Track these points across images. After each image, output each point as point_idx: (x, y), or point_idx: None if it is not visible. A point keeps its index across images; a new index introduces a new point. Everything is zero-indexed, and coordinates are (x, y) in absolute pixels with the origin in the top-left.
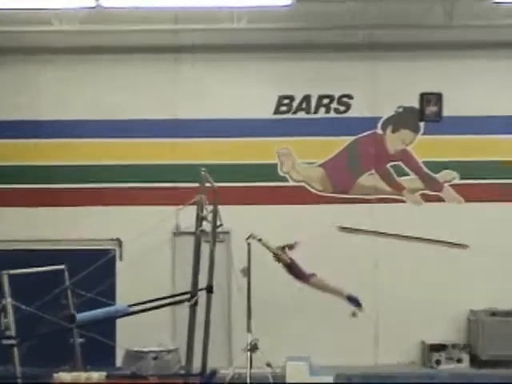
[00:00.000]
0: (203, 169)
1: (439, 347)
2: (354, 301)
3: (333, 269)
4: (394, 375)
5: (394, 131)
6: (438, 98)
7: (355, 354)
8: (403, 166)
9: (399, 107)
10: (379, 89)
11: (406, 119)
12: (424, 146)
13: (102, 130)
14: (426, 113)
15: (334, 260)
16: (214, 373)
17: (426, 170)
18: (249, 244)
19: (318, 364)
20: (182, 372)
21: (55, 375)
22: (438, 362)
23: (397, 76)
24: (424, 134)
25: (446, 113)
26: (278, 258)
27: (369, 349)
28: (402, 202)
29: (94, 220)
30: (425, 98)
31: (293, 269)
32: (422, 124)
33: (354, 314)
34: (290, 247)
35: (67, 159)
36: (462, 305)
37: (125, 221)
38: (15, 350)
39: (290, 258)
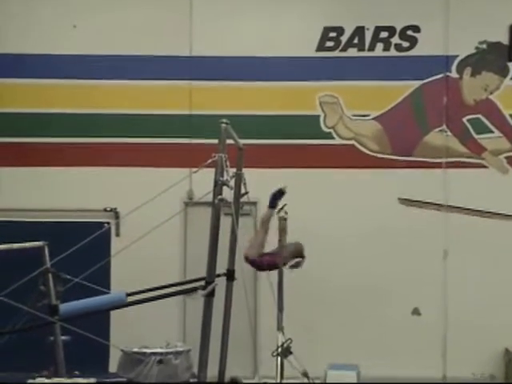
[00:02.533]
0: (224, 120)
1: None
2: (276, 195)
3: (389, 254)
4: None
5: (473, 75)
6: None
7: (417, 364)
8: (485, 120)
9: (481, 43)
10: (455, 19)
11: (489, 59)
12: None
13: (92, 68)
14: None
15: (390, 242)
16: (234, 382)
17: None
18: (282, 218)
19: (367, 375)
20: (194, 380)
21: (30, 382)
22: None
23: (478, 2)
24: None
25: None
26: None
27: (435, 357)
28: (483, 167)
29: (83, 185)
30: None
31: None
32: (511, 65)
33: (416, 312)
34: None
35: (47, 105)
36: None
37: (123, 186)
38: None
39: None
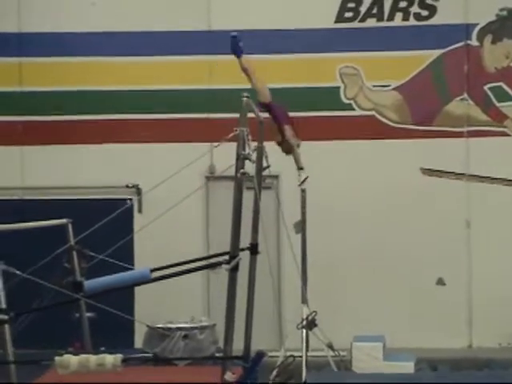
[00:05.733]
0: (245, 94)
1: None
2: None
3: (412, 224)
4: (493, 362)
5: (494, 42)
6: None
7: (443, 334)
8: (506, 87)
9: (502, 10)
10: None
11: (510, 26)
12: None
13: (112, 45)
14: None
15: (414, 213)
16: (261, 356)
17: None
18: (303, 191)
19: (393, 346)
20: (220, 355)
21: (57, 359)
22: None
23: None
24: None
25: None
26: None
27: (461, 327)
28: (505, 135)
29: (104, 162)
30: None
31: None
32: None
33: (440, 282)
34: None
35: (65, 83)
36: None
37: (144, 163)
38: (7, 327)
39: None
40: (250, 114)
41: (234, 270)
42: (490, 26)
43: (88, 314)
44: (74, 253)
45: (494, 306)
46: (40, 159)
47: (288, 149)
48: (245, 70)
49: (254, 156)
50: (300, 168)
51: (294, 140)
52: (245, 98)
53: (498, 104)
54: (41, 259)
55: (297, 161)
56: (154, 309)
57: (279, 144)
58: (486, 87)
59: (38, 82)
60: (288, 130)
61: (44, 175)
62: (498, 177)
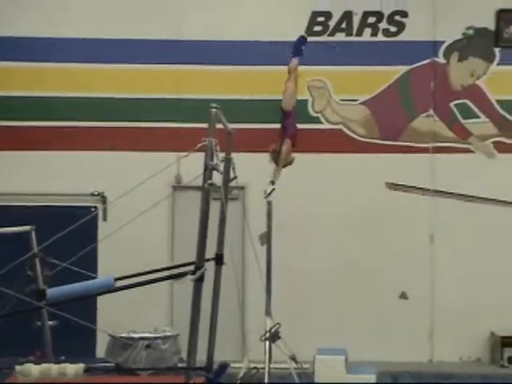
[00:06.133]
0: (214, 105)
1: None
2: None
3: (376, 238)
4: (453, 375)
5: (460, 60)
6: None
7: (404, 348)
8: (471, 105)
9: (468, 28)
10: (442, 4)
11: (476, 44)
12: (500, 80)
13: (81, 52)
14: (503, 36)
15: (378, 227)
16: (224, 367)
17: (501, 110)
18: (269, 203)
19: (355, 359)
20: (183, 365)
21: (18, 368)
22: None
23: None
24: (500, 63)
25: None
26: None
27: (422, 341)
28: (469, 152)
29: (70, 169)
30: (503, 16)
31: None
32: (497, 50)
33: (403, 296)
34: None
35: (30, 89)
36: None
37: (111, 171)
38: None
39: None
40: (218, 125)
41: (199, 281)
42: (456, 44)
43: (50, 323)
44: (37, 260)
45: (456, 320)
46: (5, 165)
47: (276, 160)
48: (289, 71)
49: (221, 167)
50: (272, 181)
51: (288, 155)
52: (213, 109)
53: (463, 121)
54: (3, 266)
55: (275, 174)
56: (117, 318)
57: (272, 152)
58: (451, 104)
59: (3, 87)
60: (286, 144)
61: (8, 181)
62: (462, 193)
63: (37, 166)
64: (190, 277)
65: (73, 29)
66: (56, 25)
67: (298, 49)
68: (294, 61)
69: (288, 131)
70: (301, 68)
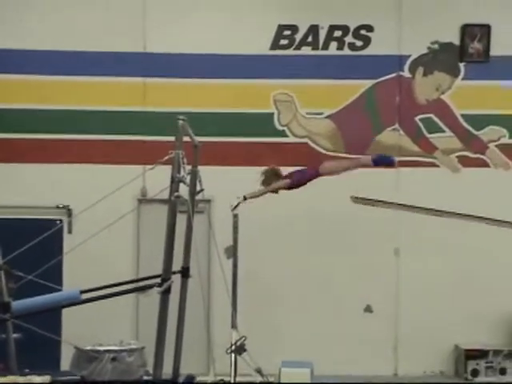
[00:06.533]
0: (181, 117)
1: (477, 354)
2: (384, 160)
3: (341, 251)
4: None
5: (425, 74)
6: (484, 31)
7: (369, 361)
8: (436, 119)
9: (434, 43)
10: (408, 19)
11: (441, 59)
12: (464, 95)
13: (45, 63)
14: (468, 50)
15: (343, 240)
16: (190, 379)
17: (465, 125)
18: (235, 216)
19: (321, 372)
20: (149, 378)
21: None
22: (476, 373)
23: (431, 2)
24: (465, 78)
25: (494, 51)
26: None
27: (387, 355)
28: (435, 166)
29: (35, 182)
30: (468, 31)
31: (298, 183)
32: (462, 65)
33: (368, 309)
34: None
35: None
36: (509, 301)
37: (76, 184)
38: None
39: (287, 176)
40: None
41: (165, 293)
42: (421, 59)
43: (14, 335)
44: (2, 273)
45: (420, 333)
46: None
47: (266, 182)
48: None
49: (188, 179)
50: (244, 197)
51: (276, 188)
52: (181, 121)
53: (428, 135)
54: None
55: (253, 194)
56: (82, 331)
57: (269, 170)
58: (416, 118)
59: None
60: (284, 182)
61: None
62: (427, 206)
63: (1, 179)
64: (156, 289)
65: (46, 41)
66: (26, 37)
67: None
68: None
69: (296, 176)
70: (267, 81)
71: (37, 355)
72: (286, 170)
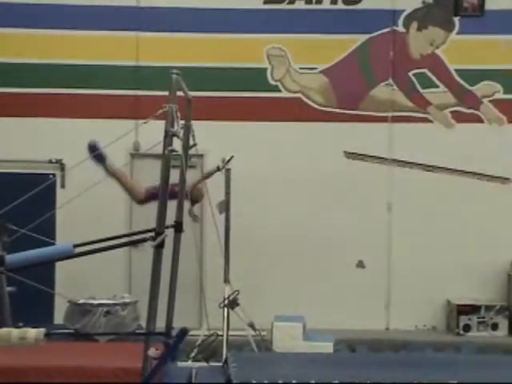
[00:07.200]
0: (175, 71)
1: (469, 309)
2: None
3: (334, 207)
4: (409, 343)
5: (419, 29)
6: None
7: (361, 316)
8: (430, 74)
9: None
10: None
11: (435, 13)
12: (459, 49)
13: (39, 17)
14: (463, 4)
15: (336, 195)
16: (184, 332)
17: (459, 80)
18: (227, 170)
19: (313, 327)
20: (142, 331)
21: None
22: (467, 328)
23: None
24: (459, 33)
25: (489, 5)
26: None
27: (379, 310)
28: (428, 121)
29: (28, 136)
30: None
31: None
32: (456, 20)
33: (361, 265)
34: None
35: None
36: (501, 256)
37: (68, 138)
38: None
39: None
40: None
41: (159, 247)
42: (415, 13)
43: (9, 289)
44: None
45: (412, 289)
46: None
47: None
48: (113, 175)
49: (181, 134)
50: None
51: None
52: (174, 75)
53: (421, 90)
54: None
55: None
56: (76, 285)
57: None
58: (410, 73)
59: None
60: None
61: None
62: (420, 162)
63: None
64: (149, 243)
65: None
66: None
67: (98, 157)
68: (106, 165)
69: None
70: (261, 36)
71: (31, 309)
72: (277, 126)
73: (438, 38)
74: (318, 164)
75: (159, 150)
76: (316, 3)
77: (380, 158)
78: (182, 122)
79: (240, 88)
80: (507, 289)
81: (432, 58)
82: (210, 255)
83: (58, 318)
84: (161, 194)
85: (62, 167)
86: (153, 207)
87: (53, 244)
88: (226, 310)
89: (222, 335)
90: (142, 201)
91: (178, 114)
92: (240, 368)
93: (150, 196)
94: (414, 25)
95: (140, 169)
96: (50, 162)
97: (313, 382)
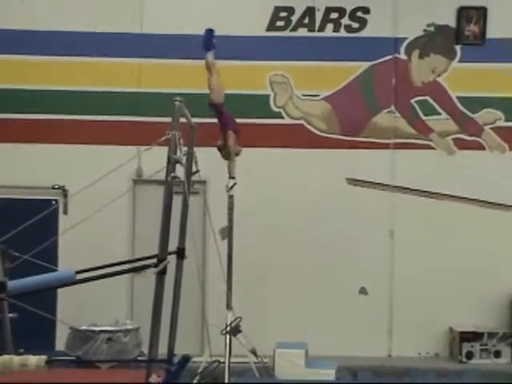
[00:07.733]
0: (178, 98)
1: (472, 336)
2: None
3: (336, 233)
4: (412, 370)
5: (421, 56)
6: (480, 13)
7: (363, 343)
8: (432, 102)
9: (429, 25)
10: (404, 1)
11: (437, 41)
12: (460, 77)
13: (41, 44)
14: (464, 33)
15: (339, 222)
16: (186, 359)
17: (461, 108)
18: (231, 197)
19: (315, 353)
20: (144, 358)
21: None
22: (470, 356)
23: None
24: (461, 61)
25: (490, 34)
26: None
27: (381, 336)
28: (430, 148)
29: (31, 162)
30: (464, 13)
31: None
32: (458, 48)
33: (363, 291)
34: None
35: None
36: (503, 282)
37: (72, 164)
38: None
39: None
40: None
41: (161, 274)
42: (417, 41)
43: (10, 315)
44: None
45: (415, 315)
46: None
47: (227, 155)
48: (208, 66)
49: (184, 160)
50: (231, 177)
51: (235, 148)
52: (177, 102)
53: (423, 117)
54: None
55: (230, 169)
56: (78, 311)
57: (219, 149)
58: (412, 101)
59: None
60: (231, 137)
61: None
62: (422, 189)
63: None
64: (152, 270)
65: (39, 22)
66: (19, 17)
67: (209, 42)
68: (209, 55)
69: (229, 125)
70: (264, 63)
71: (32, 335)
72: (280, 152)
73: (440, 65)
74: (321, 190)
75: (162, 176)
76: (318, 31)
77: (382, 184)
78: (185, 148)
79: (243, 114)
80: (510, 316)
81: (434, 86)
82: (213, 281)
83: (60, 344)
84: (163, 221)
85: (65, 193)
86: (155, 234)
87: (55, 270)
88: (228, 336)
89: (224, 362)
90: (216, 105)
91: (181, 141)
92: None
93: (220, 109)
94: (416, 53)
95: (142, 195)
96: (53, 187)
97: None
